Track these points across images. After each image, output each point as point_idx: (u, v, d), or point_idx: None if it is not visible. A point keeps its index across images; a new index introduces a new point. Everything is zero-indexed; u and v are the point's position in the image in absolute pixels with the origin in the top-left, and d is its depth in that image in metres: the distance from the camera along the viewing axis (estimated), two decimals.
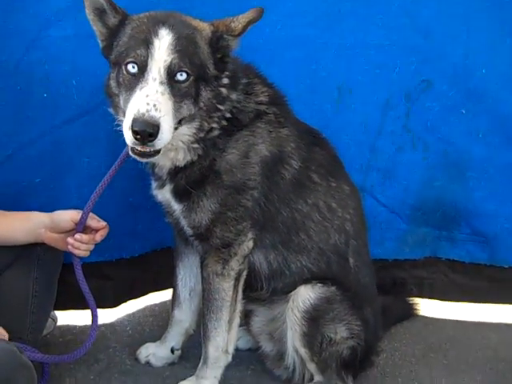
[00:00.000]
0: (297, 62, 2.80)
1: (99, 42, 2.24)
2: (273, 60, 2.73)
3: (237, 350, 2.56)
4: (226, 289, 2.40)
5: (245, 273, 2.45)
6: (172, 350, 2.68)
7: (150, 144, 2.01)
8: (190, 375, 2.53)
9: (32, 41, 2.44)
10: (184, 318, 2.67)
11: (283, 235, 2.45)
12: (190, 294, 2.65)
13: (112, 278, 2.86)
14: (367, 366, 2.73)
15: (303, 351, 2.49)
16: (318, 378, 2.55)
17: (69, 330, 2.83)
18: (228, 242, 2.36)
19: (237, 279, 2.42)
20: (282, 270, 2.48)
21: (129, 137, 2.01)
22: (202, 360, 2.51)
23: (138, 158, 2.11)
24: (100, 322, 2.80)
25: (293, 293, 2.47)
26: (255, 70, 2.42)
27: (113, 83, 2.19)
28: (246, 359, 2.71)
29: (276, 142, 2.36)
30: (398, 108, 2.93)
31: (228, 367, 2.51)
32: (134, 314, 3.02)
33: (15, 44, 2.43)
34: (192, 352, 2.71)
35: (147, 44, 2.07)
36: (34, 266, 2.42)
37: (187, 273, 2.64)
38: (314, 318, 2.44)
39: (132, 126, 1.98)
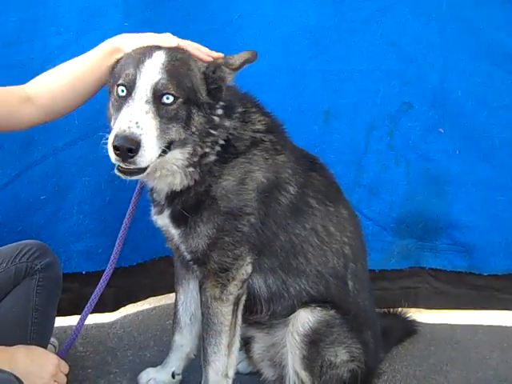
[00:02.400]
0: (285, 87, 2.90)
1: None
2: (262, 85, 2.76)
3: (237, 373, 2.48)
4: (225, 313, 2.33)
5: (244, 297, 2.37)
6: (173, 375, 2.60)
7: (130, 160, 1.97)
8: None
9: (36, 72, 2.42)
10: (185, 343, 2.61)
11: (282, 259, 2.39)
12: (190, 320, 2.60)
13: (112, 285, 2.75)
14: None
15: (304, 374, 2.41)
16: None
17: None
18: (226, 267, 2.28)
19: (235, 304, 2.34)
20: (280, 293, 2.42)
21: (111, 153, 1.99)
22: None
23: (122, 176, 2.05)
24: (101, 350, 2.87)
25: (292, 316, 2.41)
26: (253, 99, 2.41)
27: (110, 106, 2.17)
28: (247, 383, 2.66)
29: (272, 169, 2.33)
30: (381, 128, 3.03)
31: None
32: (135, 338, 2.98)
33: (19, 74, 2.50)
34: (193, 376, 2.66)
35: (138, 65, 2.06)
36: (33, 294, 2.38)
37: (188, 298, 2.59)
38: (314, 342, 2.38)
39: (113, 141, 1.96)
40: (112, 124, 2.11)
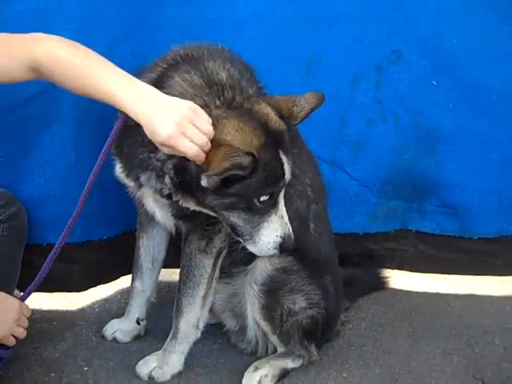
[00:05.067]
0: (265, 35, 2.72)
1: None
2: (240, 34, 2.66)
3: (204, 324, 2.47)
4: (207, 265, 2.36)
5: (225, 251, 2.38)
6: (137, 321, 2.64)
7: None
8: (157, 350, 2.48)
9: None
10: (145, 288, 2.62)
11: None
12: (152, 264, 2.62)
13: (79, 261, 2.78)
14: (332, 336, 2.69)
15: (264, 324, 2.45)
16: (281, 349, 2.51)
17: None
18: (213, 221, 2.27)
19: (217, 257, 2.37)
20: None
21: (271, 246, 2.13)
22: (171, 334, 2.43)
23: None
24: (67, 303, 2.87)
25: (250, 266, 2.42)
26: None
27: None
28: (212, 334, 2.64)
29: None
30: (368, 80, 2.86)
31: (194, 342, 2.46)
32: (101, 293, 2.96)
33: None
34: (158, 328, 2.69)
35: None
36: None
37: (150, 243, 2.60)
38: (272, 290, 2.40)
39: (284, 243, 2.13)
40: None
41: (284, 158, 2.06)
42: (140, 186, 2.27)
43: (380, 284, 3.15)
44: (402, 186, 3.06)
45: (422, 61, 2.87)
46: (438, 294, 3.18)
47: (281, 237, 2.10)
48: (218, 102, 2.06)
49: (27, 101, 2.53)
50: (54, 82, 2.13)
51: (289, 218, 2.30)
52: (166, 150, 2.01)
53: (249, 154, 1.96)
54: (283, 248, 2.11)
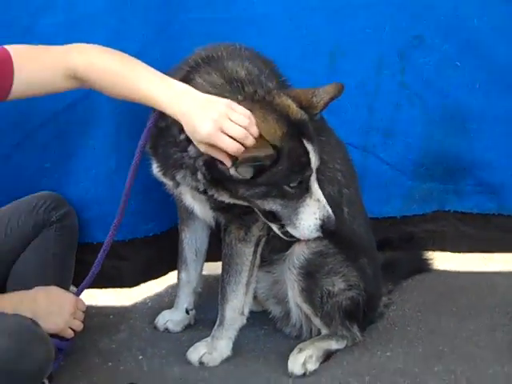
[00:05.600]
0: (286, 29, 2.79)
1: None
2: (262, 29, 2.74)
3: (250, 312, 2.58)
4: (247, 253, 2.45)
5: (264, 239, 2.47)
6: (187, 311, 2.74)
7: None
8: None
9: (26, 28, 2.50)
10: (191, 279, 2.73)
11: None
12: (196, 255, 2.72)
13: (128, 258, 2.89)
14: (376, 318, 2.74)
15: (305, 307, 2.51)
16: (324, 331, 2.56)
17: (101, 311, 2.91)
18: (249, 211, 2.35)
19: (257, 244, 2.46)
20: None
21: (313, 226, 2.21)
22: (218, 321, 2.53)
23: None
24: (121, 299, 2.96)
25: (288, 252, 2.49)
26: None
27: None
28: (259, 321, 2.74)
29: None
30: (392, 66, 2.89)
31: (242, 328, 2.55)
32: (152, 289, 3.08)
33: (7, 34, 2.45)
34: (206, 317, 2.78)
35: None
36: (51, 244, 2.52)
37: (192, 235, 2.70)
38: (311, 273, 2.46)
39: (326, 224, 2.21)
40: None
41: (309, 146, 2.12)
42: (177, 184, 2.38)
43: (423, 266, 3.16)
44: (434, 167, 3.08)
45: (445, 44, 2.90)
46: (482, 274, 3.16)
47: (320, 219, 2.17)
48: (240, 97, 2.14)
49: (68, 108, 2.65)
50: (95, 89, 2.27)
51: None
52: (203, 148, 2.06)
53: (271, 145, 2.06)
54: (324, 229, 2.18)
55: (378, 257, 2.73)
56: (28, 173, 2.72)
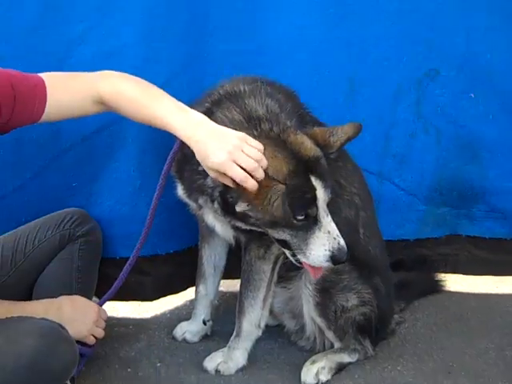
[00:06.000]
0: (307, 59, 2.92)
1: None
2: (283, 59, 2.88)
3: (266, 325, 2.68)
4: (266, 271, 2.57)
5: (282, 257, 2.56)
6: (204, 322, 2.85)
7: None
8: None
9: (61, 59, 2.67)
10: (209, 292, 2.85)
11: None
12: (214, 270, 2.84)
13: (149, 273, 3.03)
14: (387, 334, 2.83)
15: (319, 320, 2.61)
16: (337, 344, 2.66)
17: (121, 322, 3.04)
18: None
19: (275, 262, 2.57)
20: None
21: (323, 257, 2.25)
22: (235, 333, 2.64)
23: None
24: (141, 311, 3.10)
25: (304, 269, 2.51)
26: None
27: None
28: (274, 334, 2.85)
29: None
30: (408, 96, 3.02)
31: (257, 340, 2.66)
32: (171, 302, 3.20)
33: (45, 64, 2.62)
34: (223, 330, 2.90)
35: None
36: (76, 257, 2.65)
37: (212, 252, 2.83)
38: (326, 289, 2.56)
39: (338, 256, 2.24)
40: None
41: (317, 183, 2.18)
42: (200, 206, 2.54)
43: (435, 287, 3.26)
44: (448, 193, 3.19)
45: (459, 76, 3.03)
46: (494, 296, 3.23)
47: (329, 250, 2.20)
48: (255, 133, 2.21)
49: (96, 132, 2.82)
50: (120, 114, 2.43)
51: (339, 226, 2.46)
52: (212, 175, 2.16)
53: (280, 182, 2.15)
54: (334, 261, 2.22)
55: (391, 276, 2.83)
56: (56, 191, 2.87)
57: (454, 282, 3.34)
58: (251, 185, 2.14)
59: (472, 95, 3.08)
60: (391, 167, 3.15)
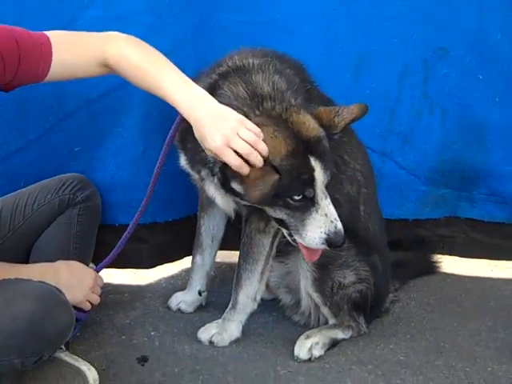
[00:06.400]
0: (316, 34, 2.89)
1: None
2: (292, 33, 2.86)
3: (261, 299, 2.68)
4: (265, 244, 2.56)
5: (281, 232, 2.53)
6: (199, 293, 2.86)
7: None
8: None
9: (67, 22, 2.62)
10: (206, 263, 2.85)
11: None
12: (212, 241, 2.84)
13: (147, 241, 3.02)
14: (381, 313, 2.84)
15: (316, 296, 2.62)
16: (332, 321, 2.67)
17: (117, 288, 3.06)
18: None
19: (274, 236, 2.57)
20: None
21: (318, 239, 2.23)
22: (230, 305, 2.65)
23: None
24: (137, 279, 3.11)
25: None
26: None
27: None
28: (269, 308, 2.86)
29: None
30: (415, 75, 2.99)
31: (252, 314, 2.66)
32: (167, 271, 3.22)
33: (51, 26, 2.47)
34: (218, 301, 2.92)
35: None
36: (75, 223, 2.64)
37: (211, 222, 2.82)
38: (324, 265, 2.55)
39: (334, 239, 2.22)
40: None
41: (316, 164, 2.15)
42: (202, 178, 2.51)
43: (431, 268, 3.27)
44: (450, 175, 3.17)
45: (468, 56, 2.99)
46: (488, 279, 3.23)
47: (325, 233, 2.18)
48: (257, 112, 2.18)
49: (100, 97, 2.79)
50: (123, 78, 2.39)
51: (340, 202, 2.53)
52: (210, 154, 2.15)
53: (276, 170, 2.12)
54: (330, 244, 2.20)
55: (388, 255, 2.83)
56: (58, 155, 2.85)
57: (450, 264, 3.35)
58: (247, 171, 2.13)
59: (480, 77, 3.04)
60: (394, 146, 3.13)
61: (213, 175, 2.36)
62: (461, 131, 3.13)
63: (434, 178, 3.19)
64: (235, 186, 2.22)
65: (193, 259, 2.90)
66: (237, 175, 2.17)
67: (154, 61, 2.31)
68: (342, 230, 2.22)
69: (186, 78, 2.27)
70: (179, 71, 2.28)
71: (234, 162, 2.10)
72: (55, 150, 2.83)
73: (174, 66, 2.30)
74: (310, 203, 2.21)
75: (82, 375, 2.19)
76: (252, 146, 2.09)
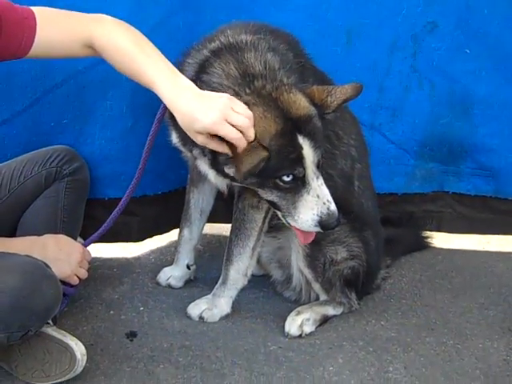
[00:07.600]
0: (306, 8, 2.84)
1: None
2: (282, 5, 2.80)
3: (252, 275, 2.63)
4: (258, 219, 2.49)
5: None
6: (188, 267, 2.81)
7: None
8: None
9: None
10: (193, 236, 2.79)
11: None
12: (200, 215, 2.78)
13: (137, 214, 2.94)
14: (373, 289, 2.80)
15: (307, 272, 2.57)
16: (323, 297, 2.62)
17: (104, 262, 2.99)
18: None
19: (267, 212, 2.50)
20: None
21: (311, 221, 2.18)
22: (220, 280, 2.59)
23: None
24: (125, 253, 3.04)
25: None
26: None
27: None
28: (259, 284, 2.81)
29: None
30: (404, 49, 2.95)
31: (242, 289, 2.61)
32: (156, 245, 3.15)
33: (35, 1, 2.36)
34: (207, 277, 2.87)
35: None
36: (62, 196, 2.57)
37: (200, 196, 2.76)
38: (316, 240, 2.44)
39: (328, 221, 2.17)
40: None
41: (305, 144, 2.09)
42: (195, 157, 2.42)
43: (422, 244, 3.24)
44: (438, 149, 3.15)
45: (456, 31, 2.96)
46: (479, 255, 3.22)
47: (318, 215, 2.13)
48: (247, 91, 2.12)
49: (88, 68, 2.69)
50: (107, 62, 2.29)
51: (334, 177, 2.49)
52: (200, 139, 2.06)
53: (265, 148, 2.05)
54: (323, 226, 2.15)
55: (381, 231, 2.79)
56: (45, 127, 2.75)
57: (441, 240, 3.32)
58: (243, 144, 2.05)
59: (467, 51, 3.01)
60: (383, 120, 3.09)
61: (204, 155, 2.29)
62: (449, 105, 3.10)
63: (423, 152, 3.17)
64: (227, 169, 2.17)
65: (180, 233, 2.83)
66: (228, 160, 2.13)
67: (143, 47, 2.20)
68: (336, 212, 2.17)
69: (173, 67, 2.18)
70: (167, 61, 2.19)
71: (232, 133, 2.03)
72: (42, 123, 2.73)
73: (161, 55, 2.21)
74: (301, 184, 2.15)
75: (69, 350, 2.13)
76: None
